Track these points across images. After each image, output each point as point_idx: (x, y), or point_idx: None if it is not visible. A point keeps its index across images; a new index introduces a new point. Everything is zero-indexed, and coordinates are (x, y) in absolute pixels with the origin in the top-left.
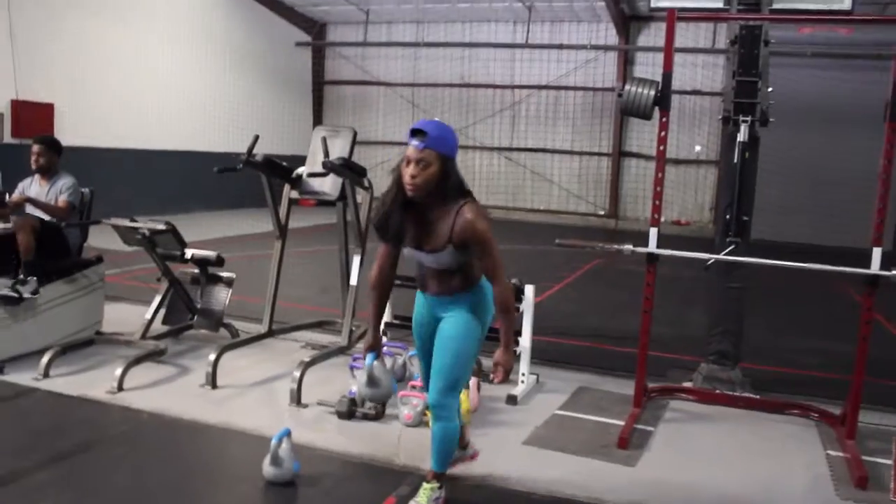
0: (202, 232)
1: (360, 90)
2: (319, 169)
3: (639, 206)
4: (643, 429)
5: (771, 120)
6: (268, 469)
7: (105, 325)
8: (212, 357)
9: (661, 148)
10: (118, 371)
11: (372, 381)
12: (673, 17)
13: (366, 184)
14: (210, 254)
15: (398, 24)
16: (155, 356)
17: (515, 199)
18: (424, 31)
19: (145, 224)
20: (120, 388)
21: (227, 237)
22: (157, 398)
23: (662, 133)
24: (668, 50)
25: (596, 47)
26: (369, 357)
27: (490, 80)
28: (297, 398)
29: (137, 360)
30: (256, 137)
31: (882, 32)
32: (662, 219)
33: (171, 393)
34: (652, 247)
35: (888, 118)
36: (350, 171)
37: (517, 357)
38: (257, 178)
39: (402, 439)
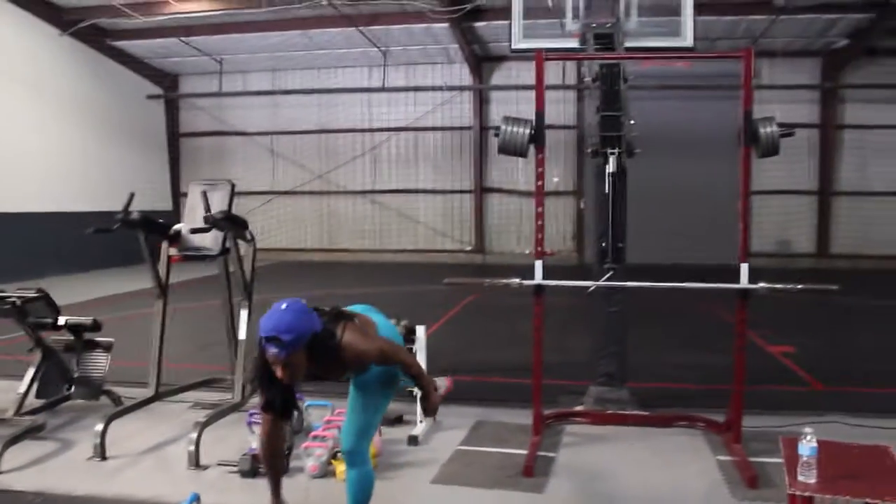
0: (62, 296)
1: (217, 141)
2: (199, 224)
3: (503, 239)
4: (545, 455)
5: (637, 151)
6: None
7: None
8: (99, 427)
9: (540, 183)
10: None
11: None
12: (541, 58)
13: (248, 236)
14: (85, 319)
15: (253, 72)
16: (33, 432)
17: (382, 241)
18: (281, 78)
19: (13, 293)
20: None
21: (91, 299)
22: (42, 477)
23: (540, 169)
24: (539, 89)
25: (451, 88)
26: None
27: (349, 124)
28: (195, 460)
29: (14, 439)
30: (132, 195)
31: (717, 65)
32: (527, 251)
33: (57, 469)
34: (538, 278)
35: (743, 143)
36: (233, 224)
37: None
38: (110, 238)
39: (310, 491)
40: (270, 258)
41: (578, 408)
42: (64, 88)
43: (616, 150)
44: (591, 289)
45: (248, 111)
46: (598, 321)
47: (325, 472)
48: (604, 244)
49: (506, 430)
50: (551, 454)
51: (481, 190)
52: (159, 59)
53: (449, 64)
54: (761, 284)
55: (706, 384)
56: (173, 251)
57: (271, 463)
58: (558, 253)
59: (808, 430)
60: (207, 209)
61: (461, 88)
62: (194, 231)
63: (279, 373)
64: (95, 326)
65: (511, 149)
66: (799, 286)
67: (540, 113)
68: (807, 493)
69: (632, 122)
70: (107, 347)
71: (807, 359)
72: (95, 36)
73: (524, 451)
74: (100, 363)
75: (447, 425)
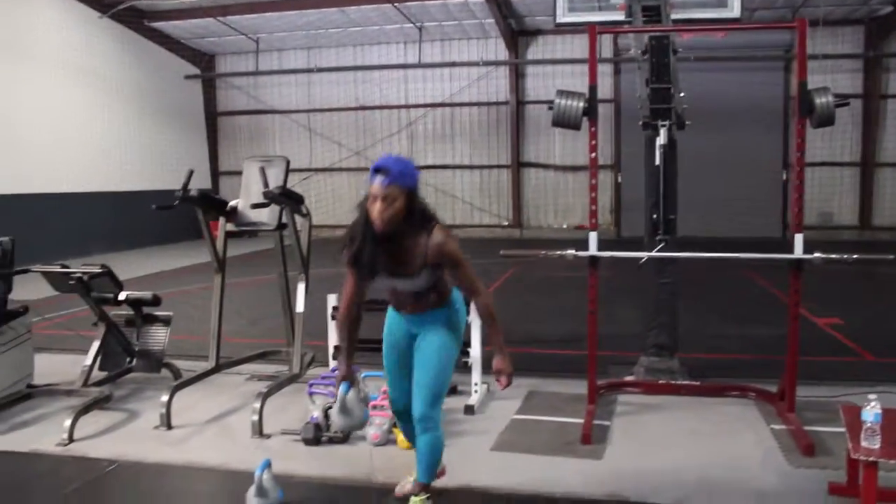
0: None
1: (254, 119)
2: (254, 200)
3: (541, 214)
4: (600, 424)
5: (688, 122)
6: (253, 501)
7: (35, 377)
8: (164, 398)
9: (593, 155)
10: (67, 422)
11: (345, 410)
12: (594, 31)
13: (304, 211)
14: (145, 294)
15: (289, 51)
16: (101, 403)
17: None
18: (316, 56)
19: (79, 269)
20: (71, 439)
21: (135, 277)
22: (112, 445)
23: (593, 142)
24: (592, 63)
25: (487, 63)
26: (343, 387)
27: (385, 101)
28: (259, 429)
29: (86, 409)
30: (191, 172)
31: (753, 36)
32: (565, 224)
33: (126, 438)
34: (593, 250)
35: (798, 114)
36: (289, 199)
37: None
38: (154, 217)
39: (375, 458)
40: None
41: (630, 377)
42: (104, 70)
43: (667, 122)
44: (643, 260)
45: (284, 89)
46: (648, 293)
47: (386, 440)
48: (655, 216)
49: (559, 400)
50: (606, 423)
51: (518, 165)
52: (196, 39)
53: (484, 39)
54: (816, 254)
55: (753, 354)
56: (230, 226)
57: (348, 327)
58: (597, 227)
59: (872, 396)
60: (266, 184)
61: (497, 63)
62: (255, 206)
63: (378, 206)
64: (155, 301)
65: (565, 122)
66: (854, 256)
67: (593, 86)
68: (871, 459)
69: (681, 94)
70: (166, 321)
71: (854, 330)
72: (134, 17)
73: (578, 420)
74: (160, 337)
75: (501, 396)
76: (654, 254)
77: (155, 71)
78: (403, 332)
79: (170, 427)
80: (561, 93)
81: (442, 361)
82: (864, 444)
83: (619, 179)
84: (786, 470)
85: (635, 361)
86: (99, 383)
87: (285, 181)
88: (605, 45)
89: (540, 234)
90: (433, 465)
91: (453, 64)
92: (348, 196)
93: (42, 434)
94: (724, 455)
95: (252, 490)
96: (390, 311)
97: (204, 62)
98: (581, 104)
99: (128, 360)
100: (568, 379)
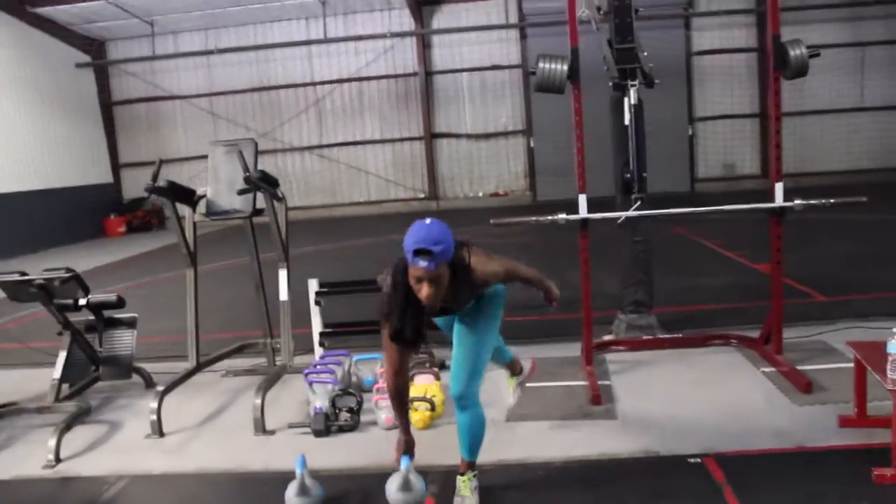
0: None
1: (153, 107)
2: (223, 186)
3: (456, 184)
4: (602, 384)
5: (657, 81)
6: (296, 501)
7: None
8: (153, 405)
9: (577, 118)
10: (51, 441)
11: (407, 485)
12: None
13: (280, 195)
14: (109, 296)
15: (186, 33)
16: (82, 417)
17: (334, 196)
18: (215, 37)
19: (42, 274)
20: (58, 460)
21: None
22: (106, 461)
23: (577, 105)
24: (572, 25)
25: (394, 35)
26: (404, 460)
27: (290, 79)
28: (262, 426)
29: (68, 426)
30: (160, 162)
31: None
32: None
33: (118, 452)
34: (583, 213)
35: (773, 67)
36: (267, 183)
37: None
38: (51, 218)
39: (393, 441)
40: (217, 224)
41: (608, 336)
42: None
43: (636, 83)
44: (622, 219)
45: (183, 73)
46: (606, 253)
47: None
48: (627, 175)
49: (552, 365)
50: (606, 382)
51: (430, 136)
52: (86, 24)
53: (388, 10)
54: (797, 201)
55: (715, 304)
56: (198, 217)
57: (399, 399)
58: (512, 193)
59: (895, 329)
60: (246, 169)
61: (403, 35)
62: (241, 192)
63: (425, 290)
64: (119, 303)
65: (549, 86)
66: (832, 200)
67: (575, 48)
68: None
69: (644, 53)
70: (130, 324)
71: (797, 273)
72: (14, 2)
73: (579, 383)
74: (126, 341)
75: (493, 367)
76: (631, 213)
77: (42, 61)
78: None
79: (162, 434)
80: (543, 57)
81: (480, 338)
82: (891, 375)
83: (532, 144)
84: (791, 408)
85: (609, 320)
86: (69, 396)
87: (256, 164)
88: (511, 10)
89: (456, 204)
90: (477, 442)
91: (359, 37)
92: None
93: (22, 458)
94: (730, 401)
95: (293, 489)
96: None
97: (95, 49)
98: (564, 67)
99: (92, 368)
100: (548, 344)
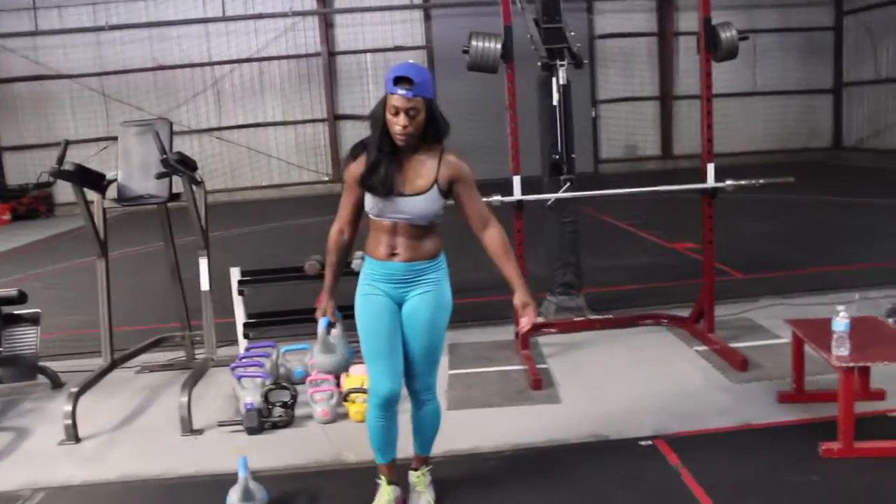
0: None
1: (37, 87)
2: (137, 169)
3: None
4: (539, 367)
5: (585, 62)
6: None
7: None
8: (66, 408)
9: (511, 98)
10: None
11: (329, 348)
12: None
13: (198, 178)
14: (9, 291)
15: (73, 6)
16: None
17: (236, 180)
18: (104, 12)
19: None
20: None
21: None
22: (17, 472)
23: (510, 84)
24: (505, 3)
25: (296, 13)
26: (322, 322)
27: (186, 59)
28: (189, 426)
29: None
30: (66, 143)
31: None
32: None
33: (29, 461)
34: (517, 194)
35: (703, 49)
36: (185, 166)
37: None
38: None
39: (331, 436)
40: (112, 210)
41: (539, 319)
42: None
43: (565, 63)
44: (551, 202)
45: (70, 51)
46: (554, 234)
47: (336, 416)
48: (555, 156)
49: (484, 349)
50: (543, 366)
51: (334, 118)
52: None
53: None
54: (728, 182)
55: (637, 284)
56: (108, 202)
57: (337, 252)
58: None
59: (840, 307)
60: (163, 151)
61: (305, 14)
62: (160, 176)
63: (401, 121)
64: (21, 298)
65: (482, 65)
66: (761, 181)
67: (508, 26)
68: (849, 364)
69: (572, 33)
70: (33, 320)
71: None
72: None
73: (515, 367)
74: (29, 339)
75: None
76: (562, 194)
77: None
78: (386, 308)
79: (78, 440)
80: (476, 35)
81: (439, 326)
82: (836, 352)
83: None
84: (729, 386)
85: (538, 303)
86: None
87: (171, 146)
88: None
89: None
90: (434, 437)
91: (259, 16)
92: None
93: None
94: (669, 381)
95: (236, 494)
96: (364, 296)
97: None
98: (498, 46)
99: None
100: (477, 328)
